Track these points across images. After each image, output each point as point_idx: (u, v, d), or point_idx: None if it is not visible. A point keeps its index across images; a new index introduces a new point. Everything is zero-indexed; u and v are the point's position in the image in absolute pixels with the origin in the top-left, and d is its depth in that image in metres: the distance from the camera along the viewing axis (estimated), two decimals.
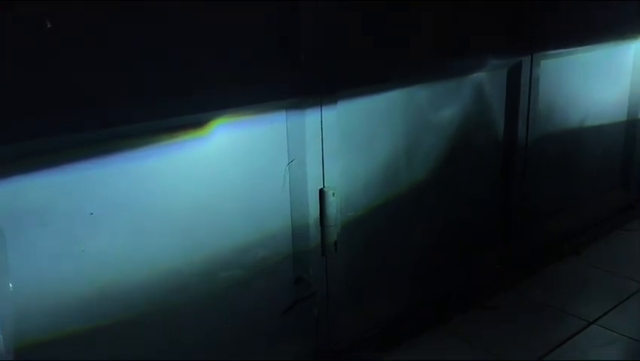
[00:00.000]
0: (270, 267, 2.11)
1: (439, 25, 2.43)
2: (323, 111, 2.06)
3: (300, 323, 2.23)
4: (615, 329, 2.53)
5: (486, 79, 2.68)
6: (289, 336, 2.23)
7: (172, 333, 1.92)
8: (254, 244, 2.06)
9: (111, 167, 1.70)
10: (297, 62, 1.96)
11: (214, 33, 1.79)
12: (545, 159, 3.07)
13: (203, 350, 2.00)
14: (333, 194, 2.13)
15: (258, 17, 1.88)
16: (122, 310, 1.78)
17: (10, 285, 1.05)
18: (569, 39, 2.98)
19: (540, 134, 2.98)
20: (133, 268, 1.79)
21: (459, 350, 2.42)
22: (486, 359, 2.35)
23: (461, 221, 2.77)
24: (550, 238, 3.21)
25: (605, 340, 2.46)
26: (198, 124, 1.84)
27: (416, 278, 2.63)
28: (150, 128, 1.74)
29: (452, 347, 2.43)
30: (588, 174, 3.43)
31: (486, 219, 2.92)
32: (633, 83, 3.51)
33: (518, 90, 2.78)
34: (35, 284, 1.59)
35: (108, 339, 1.77)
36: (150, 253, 1.82)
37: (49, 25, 1.49)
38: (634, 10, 3.33)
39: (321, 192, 2.12)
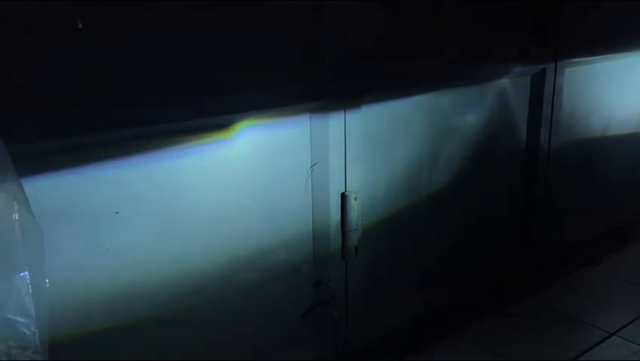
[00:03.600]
0: (291, 270, 2.12)
1: (464, 31, 2.42)
2: (347, 115, 2.06)
3: (319, 326, 2.24)
4: (636, 341, 2.50)
5: (509, 85, 2.67)
6: (308, 339, 2.23)
7: (192, 333, 1.93)
8: (275, 246, 2.06)
9: (136, 167, 1.71)
10: (321, 66, 1.96)
11: (239, 36, 1.79)
12: (567, 166, 3.05)
13: (223, 350, 2.00)
14: (355, 198, 2.12)
15: (283, 21, 1.88)
16: (144, 309, 1.79)
17: (47, 281, 1.06)
18: (593, 47, 2.95)
19: (563, 141, 2.95)
20: (156, 267, 1.80)
21: (476, 358, 2.40)
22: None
23: (481, 227, 2.76)
24: (570, 246, 3.18)
25: (626, 352, 2.43)
26: (222, 126, 1.85)
27: (435, 283, 2.62)
28: (174, 130, 1.75)
29: (469, 355, 2.42)
30: (610, 182, 3.40)
31: (506, 225, 2.90)
32: None
33: (541, 97, 2.77)
34: (60, 282, 1.60)
35: (131, 337, 1.78)
36: (172, 253, 1.82)
37: (80, 26, 1.51)
38: None
39: (343, 196, 2.12)
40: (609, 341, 2.51)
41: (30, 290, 0.94)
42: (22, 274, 0.96)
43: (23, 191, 1.07)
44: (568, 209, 3.16)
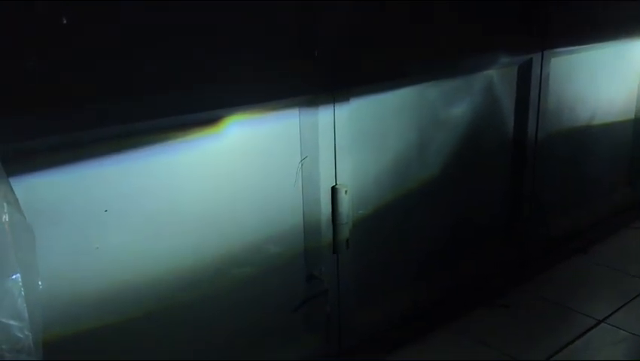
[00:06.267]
0: (282, 264, 2.11)
1: (451, 23, 2.42)
2: (336, 108, 2.05)
3: (311, 320, 2.23)
4: (624, 328, 2.53)
5: (496, 76, 2.67)
6: (300, 333, 2.23)
7: (184, 329, 1.92)
8: (266, 241, 2.05)
9: (125, 164, 1.69)
10: (311, 59, 1.95)
11: (228, 30, 1.78)
12: (554, 156, 3.07)
13: (214, 346, 1.99)
14: (346, 191, 2.12)
15: (273, 14, 1.87)
16: (135, 307, 1.78)
17: (40, 283, 1.04)
18: (579, 37, 2.97)
19: (550, 131, 2.97)
20: (146, 265, 1.78)
21: (468, 348, 2.41)
22: (495, 358, 2.35)
23: (470, 218, 2.77)
24: (557, 236, 3.21)
25: (615, 338, 2.46)
26: (211, 121, 1.83)
27: (425, 276, 2.63)
28: (163, 126, 1.73)
29: (461, 345, 2.43)
30: (596, 171, 3.43)
31: (495, 216, 2.92)
32: None
33: (528, 87, 2.78)
34: (50, 282, 1.57)
35: (122, 335, 1.76)
36: (162, 250, 1.81)
37: (65, 22, 1.48)
38: None
39: (334, 190, 2.11)
40: (598, 327, 2.54)
41: (22, 292, 0.92)
42: (14, 276, 0.93)
43: (13, 192, 1.05)
44: (556, 198, 3.18)
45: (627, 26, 3.25)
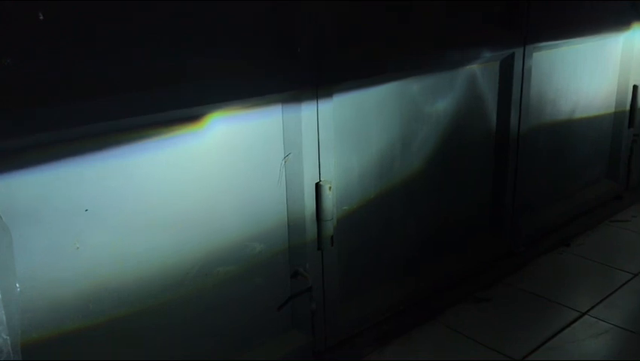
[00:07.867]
0: (266, 262, 2.10)
1: (433, 18, 2.41)
2: (319, 104, 2.04)
3: (296, 317, 2.22)
4: (607, 320, 2.55)
5: (479, 71, 2.68)
6: (285, 330, 2.22)
7: (167, 329, 1.90)
8: (249, 238, 2.04)
9: (105, 162, 1.66)
10: (293, 55, 1.94)
11: (209, 25, 1.75)
12: (536, 150, 3.09)
13: (199, 345, 1.98)
14: (330, 188, 2.11)
15: (255, 10, 1.85)
16: (117, 307, 1.76)
17: (18, 286, 1.02)
18: (560, 31, 2.98)
19: (532, 125, 2.99)
20: (128, 264, 1.76)
21: (454, 343, 2.42)
22: (480, 351, 2.36)
23: (453, 213, 2.77)
24: (540, 229, 3.23)
25: (598, 330, 2.48)
26: (194, 118, 1.81)
27: (410, 271, 2.63)
28: (145, 122, 1.70)
29: (446, 340, 2.43)
30: (577, 165, 3.46)
31: (478, 210, 2.93)
32: (621, 75, 3.54)
33: (510, 82, 2.78)
34: (30, 282, 1.55)
35: (105, 336, 1.74)
36: (145, 249, 1.79)
37: (41, 17, 1.45)
38: (622, 3, 3.35)
39: (317, 186, 2.10)
40: (581, 320, 2.56)
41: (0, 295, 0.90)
42: None
43: None
44: (538, 192, 3.20)
45: (608, 21, 3.27)
